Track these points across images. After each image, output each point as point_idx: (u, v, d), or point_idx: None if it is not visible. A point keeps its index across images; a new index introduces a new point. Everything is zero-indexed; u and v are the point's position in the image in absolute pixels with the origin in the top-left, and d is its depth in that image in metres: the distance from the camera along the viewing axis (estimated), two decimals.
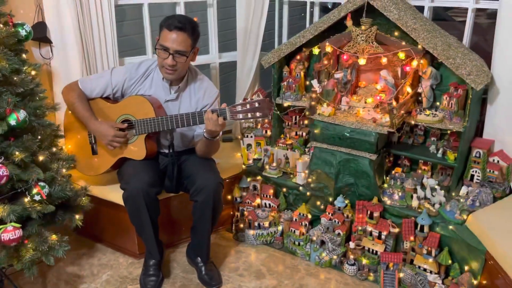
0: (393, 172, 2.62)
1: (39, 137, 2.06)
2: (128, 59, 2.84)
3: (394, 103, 2.38)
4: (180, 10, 2.89)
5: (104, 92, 2.30)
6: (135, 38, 3.34)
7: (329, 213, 2.51)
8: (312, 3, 3.08)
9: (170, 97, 2.31)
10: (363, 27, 2.41)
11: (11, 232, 1.83)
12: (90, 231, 2.69)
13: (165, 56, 2.15)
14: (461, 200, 2.31)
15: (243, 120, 2.07)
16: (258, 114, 2.04)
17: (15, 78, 1.93)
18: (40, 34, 2.34)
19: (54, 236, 2.05)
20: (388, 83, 2.51)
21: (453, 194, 2.41)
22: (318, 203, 2.59)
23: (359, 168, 2.41)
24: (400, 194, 2.43)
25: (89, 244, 2.70)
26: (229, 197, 2.78)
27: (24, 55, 2.01)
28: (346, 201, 2.49)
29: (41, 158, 1.99)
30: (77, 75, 2.48)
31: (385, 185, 2.53)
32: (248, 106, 2.05)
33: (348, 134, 2.40)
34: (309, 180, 2.58)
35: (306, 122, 2.87)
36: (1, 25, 1.89)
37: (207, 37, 3.07)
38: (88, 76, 2.42)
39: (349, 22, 2.45)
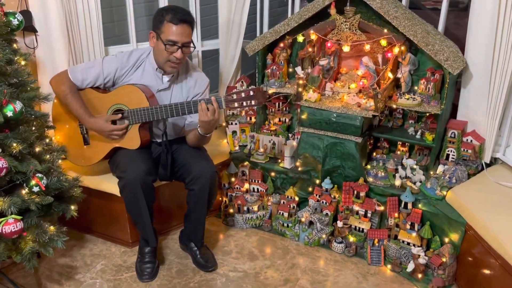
0: (374, 154, 2.77)
1: (34, 128, 2.03)
2: (112, 48, 2.81)
3: (378, 88, 2.51)
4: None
5: (95, 82, 2.28)
6: (113, 26, 3.29)
7: (316, 195, 2.62)
8: None
9: (162, 86, 2.33)
10: (347, 15, 2.50)
11: (12, 225, 1.82)
12: (78, 222, 2.65)
13: (174, 51, 2.16)
14: (440, 177, 2.48)
15: (238, 109, 2.12)
16: (253, 102, 2.10)
17: (8, 69, 1.89)
18: (26, 23, 2.27)
19: (52, 228, 2.04)
20: (369, 69, 2.63)
21: (431, 172, 2.58)
22: (306, 185, 2.69)
23: (345, 151, 2.53)
24: (383, 174, 2.57)
25: (77, 235, 2.69)
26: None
27: (15, 45, 1.97)
28: (333, 184, 2.61)
29: (37, 149, 1.97)
30: (63, 65, 2.44)
31: (369, 166, 2.67)
32: (243, 94, 2.10)
33: (334, 119, 2.51)
34: (297, 164, 2.67)
35: (294, 108, 2.95)
36: None
37: None
38: (78, 65, 2.38)
39: (333, 11, 2.55)
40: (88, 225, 2.68)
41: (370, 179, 2.56)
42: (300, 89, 2.59)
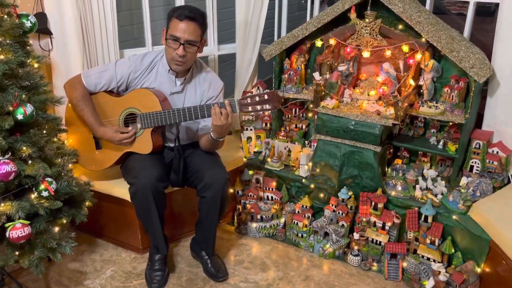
0: (394, 163, 2.67)
1: (44, 131, 2.01)
2: (128, 51, 2.78)
3: (398, 96, 2.41)
4: (180, 0, 2.84)
5: (109, 86, 2.25)
6: (131, 29, 3.27)
7: (332, 205, 2.53)
8: None
9: (175, 89, 2.28)
10: (367, 20, 2.42)
11: (20, 230, 1.79)
12: (90, 227, 2.64)
13: (175, 47, 2.12)
14: (463, 190, 2.36)
15: (252, 113, 2.06)
16: (267, 106, 2.04)
17: (20, 71, 1.87)
18: (41, 25, 2.26)
19: (61, 233, 2.01)
20: (390, 75, 2.54)
21: (453, 184, 2.46)
22: (322, 195, 2.61)
23: (363, 160, 2.44)
24: (402, 185, 2.47)
25: (89, 239, 2.66)
26: (231, 190, 2.77)
27: (28, 47, 1.95)
28: (350, 193, 2.52)
29: (48, 153, 1.94)
30: (78, 68, 2.42)
31: (388, 177, 2.57)
32: (257, 98, 2.04)
33: (352, 127, 2.42)
34: (313, 172, 2.59)
35: (309, 114, 2.88)
36: (6, 16, 1.82)
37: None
38: (91, 69, 2.36)
39: (353, 15, 2.46)
40: (100, 229, 2.65)
41: (389, 190, 2.46)
42: (317, 95, 2.51)
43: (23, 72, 1.88)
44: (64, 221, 2.10)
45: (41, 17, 2.28)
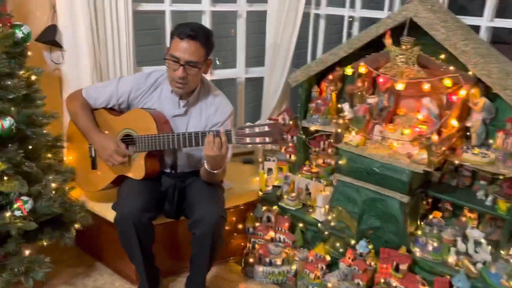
0: (430, 217, 2.24)
1: (30, 147, 1.91)
2: (146, 68, 2.67)
3: (435, 138, 2.02)
4: (206, 20, 2.68)
5: (109, 102, 2.13)
6: (155, 48, 3.18)
7: (349, 258, 2.17)
8: (351, 18, 2.77)
9: (178, 111, 2.10)
10: (403, 47, 2.07)
11: None
12: (93, 248, 2.53)
13: (175, 67, 1.95)
14: (511, 261, 1.90)
15: (249, 146, 1.83)
16: (267, 139, 1.78)
17: (9, 83, 1.80)
18: (49, 37, 2.22)
19: (33, 257, 1.88)
20: (431, 113, 2.15)
21: (502, 252, 1.99)
22: (338, 244, 2.26)
23: (387, 210, 2.07)
24: (435, 245, 2.05)
25: (89, 262, 2.53)
26: (241, 226, 2.51)
27: (22, 58, 1.87)
28: (370, 247, 2.14)
29: (28, 170, 1.83)
30: (88, 82, 2.34)
31: (418, 232, 2.16)
32: (256, 129, 1.79)
33: (377, 169, 2.07)
34: (329, 217, 2.26)
35: (336, 149, 2.55)
36: None
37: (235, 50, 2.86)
38: (94, 84, 2.27)
39: (388, 41, 2.13)
40: (100, 253, 2.52)
41: (417, 249, 2.06)
42: (339, 129, 2.19)
43: (12, 83, 1.80)
44: (44, 243, 1.98)
45: (51, 29, 2.24)
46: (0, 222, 1.76)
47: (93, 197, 2.32)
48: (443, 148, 2.01)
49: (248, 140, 1.80)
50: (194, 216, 1.97)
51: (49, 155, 2.06)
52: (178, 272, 2.44)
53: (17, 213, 1.78)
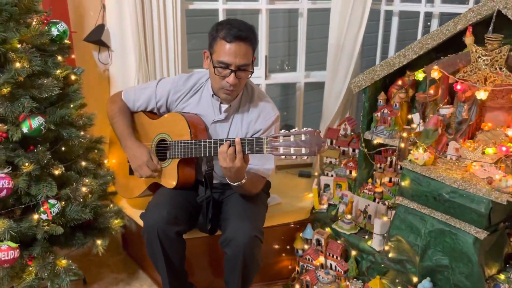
0: None
1: (63, 148, 1.86)
2: (197, 70, 2.54)
3: None
4: (262, 20, 2.47)
5: (147, 105, 2.01)
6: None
7: None
8: (430, 14, 2.38)
9: (219, 117, 1.92)
10: (488, 46, 1.68)
11: (4, 252, 1.63)
12: (137, 255, 2.45)
13: (226, 74, 1.75)
14: None
15: (283, 157, 1.57)
16: (303, 150, 1.52)
17: (44, 81, 1.75)
18: (95, 37, 2.18)
19: (63, 262, 1.81)
20: None
21: None
22: (398, 280, 1.91)
23: (457, 247, 1.68)
24: None
25: (132, 268, 2.45)
26: (288, 247, 2.26)
27: (59, 57, 1.82)
28: None
29: (56, 172, 1.77)
30: (133, 83, 2.26)
31: (501, 276, 1.73)
32: (292, 138, 1.54)
33: (447, 195, 1.70)
34: (386, 247, 1.91)
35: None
36: (34, 23, 1.73)
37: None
38: (134, 86, 2.17)
39: (468, 39, 1.76)
40: (142, 261, 2.43)
41: None
42: (403, 145, 1.85)
43: (47, 82, 1.74)
44: (75, 248, 1.92)
45: (99, 29, 2.19)
46: (26, 224, 1.70)
47: (134, 204, 2.23)
48: None
49: (281, 150, 1.56)
50: (225, 234, 1.77)
51: (87, 157, 1.99)
52: None
53: (44, 216, 1.72)
